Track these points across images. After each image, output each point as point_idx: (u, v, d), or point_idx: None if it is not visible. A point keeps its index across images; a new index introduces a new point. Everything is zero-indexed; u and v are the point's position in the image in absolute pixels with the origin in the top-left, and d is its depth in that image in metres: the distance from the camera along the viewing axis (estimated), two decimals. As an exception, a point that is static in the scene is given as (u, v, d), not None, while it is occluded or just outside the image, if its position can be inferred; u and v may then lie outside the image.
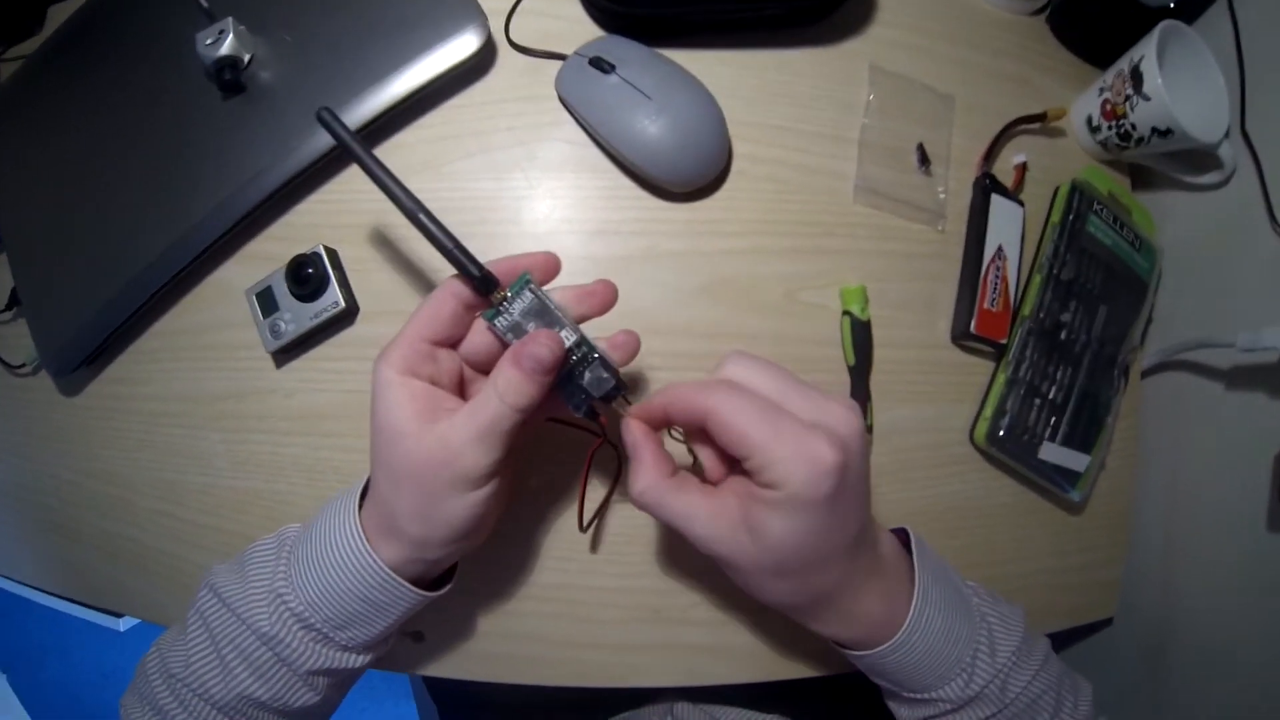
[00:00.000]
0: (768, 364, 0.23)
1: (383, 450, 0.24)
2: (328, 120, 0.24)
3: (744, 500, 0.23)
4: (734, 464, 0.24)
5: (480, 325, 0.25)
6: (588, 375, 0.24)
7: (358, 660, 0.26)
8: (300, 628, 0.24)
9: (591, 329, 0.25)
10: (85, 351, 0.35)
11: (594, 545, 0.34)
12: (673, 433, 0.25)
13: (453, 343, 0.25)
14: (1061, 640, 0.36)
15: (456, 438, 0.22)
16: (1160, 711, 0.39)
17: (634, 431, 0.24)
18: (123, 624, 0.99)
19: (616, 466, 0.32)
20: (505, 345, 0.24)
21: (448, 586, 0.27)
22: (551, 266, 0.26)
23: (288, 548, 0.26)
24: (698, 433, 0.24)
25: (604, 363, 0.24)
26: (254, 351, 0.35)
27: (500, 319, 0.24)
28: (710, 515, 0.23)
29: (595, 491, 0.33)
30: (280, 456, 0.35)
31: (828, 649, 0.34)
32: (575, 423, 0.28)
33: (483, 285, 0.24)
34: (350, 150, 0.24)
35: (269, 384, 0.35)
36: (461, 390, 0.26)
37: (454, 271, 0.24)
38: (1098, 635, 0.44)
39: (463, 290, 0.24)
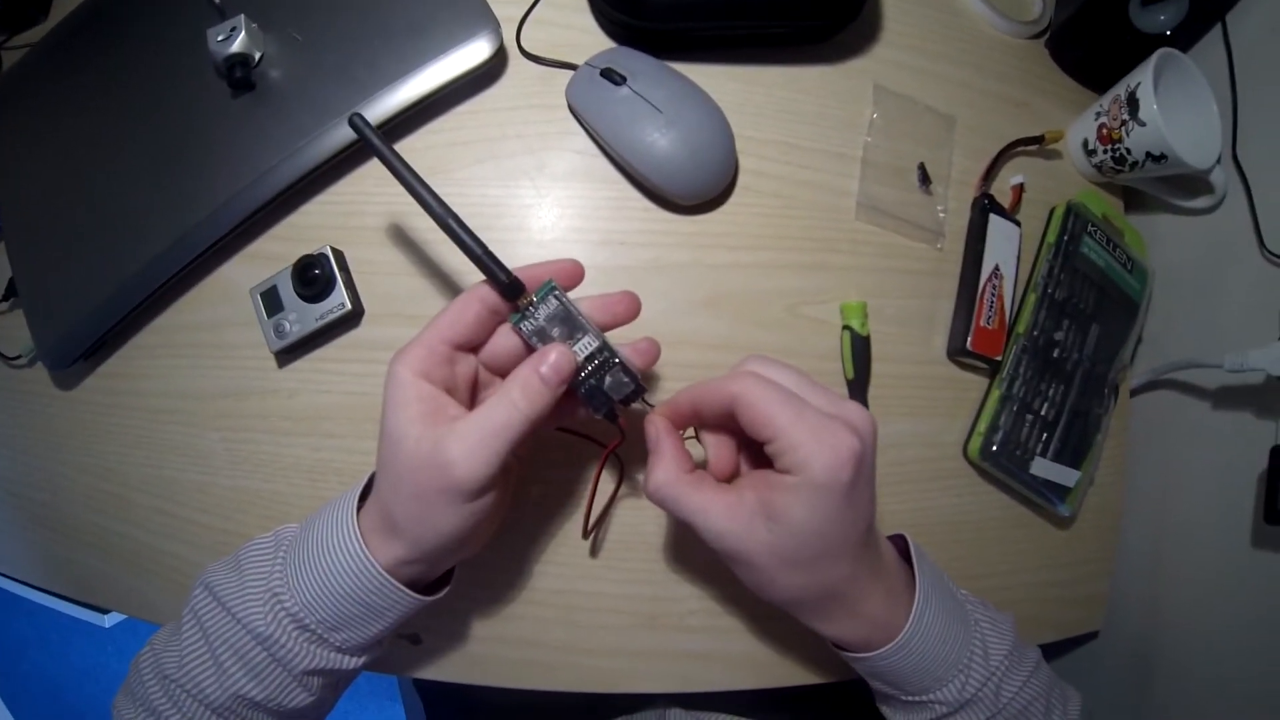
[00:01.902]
0: (786, 364, 0.24)
1: (385, 451, 0.24)
2: (359, 125, 0.25)
3: (762, 490, 0.23)
4: (755, 455, 0.25)
5: (505, 331, 0.25)
6: (609, 379, 0.25)
7: (353, 662, 0.26)
8: (295, 628, 0.24)
9: (613, 335, 0.26)
10: (83, 345, 0.35)
11: (593, 551, 0.34)
12: (684, 432, 0.26)
13: (473, 347, 0.26)
14: (1049, 653, 0.36)
15: (455, 444, 0.22)
16: (1143, 728, 0.40)
17: (656, 425, 0.25)
18: (108, 620, 0.97)
19: (619, 475, 0.33)
20: (530, 350, 0.25)
21: (444, 591, 0.27)
22: (575, 274, 0.26)
23: (285, 547, 0.26)
24: (717, 427, 0.25)
25: (624, 368, 0.25)
26: (256, 351, 0.35)
27: (526, 323, 0.25)
28: (726, 509, 0.23)
29: (600, 497, 0.33)
30: (280, 457, 0.35)
31: (822, 657, 0.35)
32: (583, 433, 0.29)
33: (509, 291, 0.24)
34: (381, 155, 0.25)
35: (271, 384, 0.35)
36: (472, 399, 0.26)
37: (478, 278, 0.25)
38: (1084, 648, 0.45)
39: (488, 295, 0.25)
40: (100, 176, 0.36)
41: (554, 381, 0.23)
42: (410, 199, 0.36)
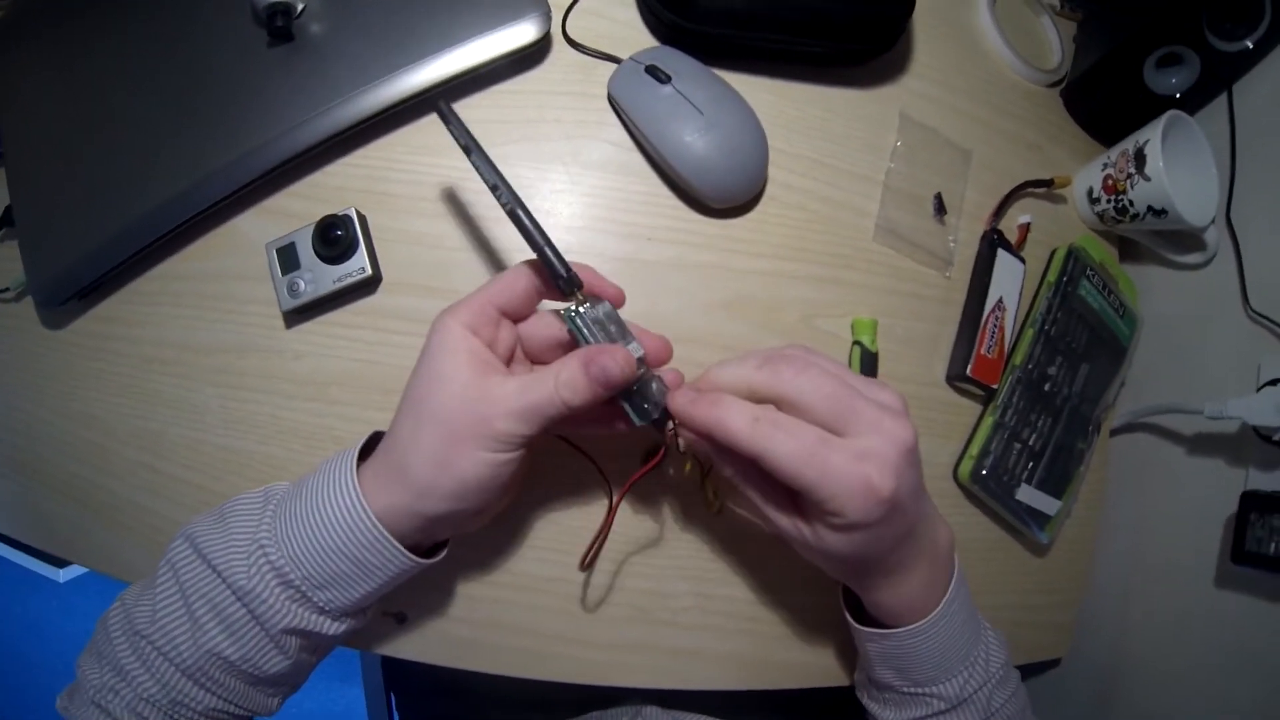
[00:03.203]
0: (823, 372, 0.23)
1: (420, 390, 0.24)
2: (445, 111, 0.26)
3: (809, 518, 0.24)
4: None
5: (545, 316, 0.26)
6: (655, 385, 0.25)
7: (333, 627, 0.25)
8: (278, 583, 0.24)
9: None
10: (80, 284, 0.33)
11: (597, 552, 0.34)
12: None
13: (516, 318, 0.26)
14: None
15: (503, 399, 0.23)
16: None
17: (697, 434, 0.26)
18: (63, 574, 0.91)
19: (609, 504, 0.31)
20: (573, 344, 0.25)
21: (437, 557, 0.27)
22: (617, 295, 0.27)
23: (275, 502, 0.25)
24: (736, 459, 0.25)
25: (659, 379, 0.25)
26: (263, 308, 0.34)
27: (577, 320, 0.25)
28: (774, 508, 0.26)
29: (595, 512, 0.33)
30: (279, 420, 0.34)
31: (809, 662, 0.36)
32: (577, 446, 0.30)
33: (566, 285, 0.25)
34: (463, 141, 0.26)
35: (276, 343, 0.34)
36: (508, 366, 0.26)
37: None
38: (1045, 675, 0.46)
39: (538, 273, 0.26)
40: (116, 109, 0.35)
41: (602, 381, 0.23)
42: (439, 174, 0.36)
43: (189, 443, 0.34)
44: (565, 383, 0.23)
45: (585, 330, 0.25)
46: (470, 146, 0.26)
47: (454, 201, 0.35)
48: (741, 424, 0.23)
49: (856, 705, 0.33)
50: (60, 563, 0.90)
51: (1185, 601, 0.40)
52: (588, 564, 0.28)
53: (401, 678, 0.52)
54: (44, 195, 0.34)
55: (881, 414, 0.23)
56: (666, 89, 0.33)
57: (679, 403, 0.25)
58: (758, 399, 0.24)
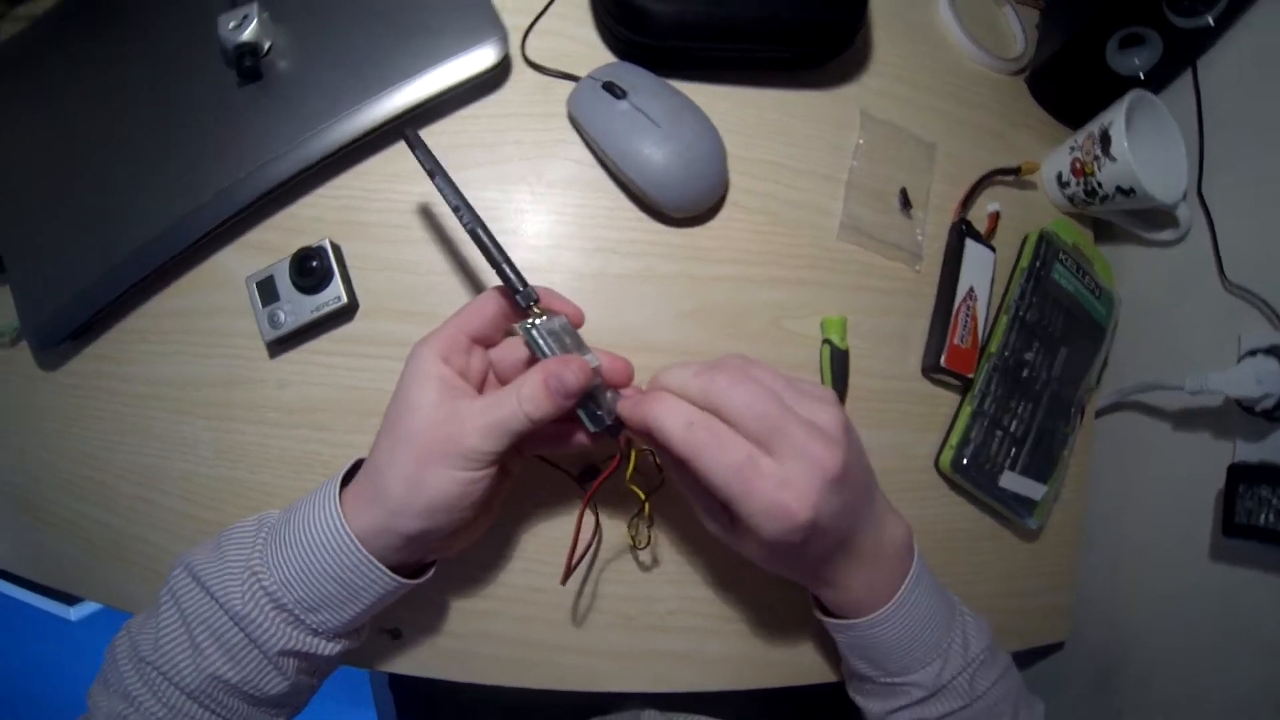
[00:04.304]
0: (758, 388, 0.24)
1: (395, 415, 0.26)
2: (410, 137, 0.28)
3: (734, 516, 0.25)
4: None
5: (513, 340, 0.27)
6: (609, 394, 0.26)
7: (328, 647, 0.26)
8: (273, 607, 0.25)
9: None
10: (72, 325, 0.35)
11: (577, 563, 0.35)
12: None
13: (486, 344, 0.28)
14: (1018, 664, 0.37)
15: (469, 417, 0.24)
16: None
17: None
18: (74, 613, 0.93)
19: (595, 522, 0.31)
20: (533, 358, 0.26)
21: (421, 579, 0.28)
22: (577, 315, 0.28)
23: (267, 528, 0.26)
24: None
25: (609, 390, 0.26)
26: (248, 340, 0.35)
27: (540, 324, 0.26)
28: (707, 509, 0.27)
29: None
30: (267, 448, 0.35)
31: (798, 660, 0.36)
32: (556, 464, 0.31)
33: (524, 299, 0.26)
34: (428, 166, 0.27)
35: (261, 374, 0.35)
36: (480, 390, 0.28)
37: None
38: (1049, 660, 0.46)
39: (506, 298, 0.27)
40: (98, 155, 0.36)
41: (559, 391, 0.24)
42: (412, 200, 0.37)
43: (184, 475, 0.35)
44: (527, 397, 0.24)
45: (541, 342, 0.26)
46: (434, 170, 0.27)
47: (426, 227, 0.36)
48: (677, 426, 0.24)
49: (845, 701, 0.33)
50: (71, 600, 0.91)
51: (1181, 577, 0.40)
52: (566, 578, 0.29)
53: (411, 698, 0.53)
54: (32, 241, 0.36)
55: (811, 438, 0.23)
56: (623, 104, 0.34)
57: (625, 403, 0.26)
58: (697, 405, 0.25)
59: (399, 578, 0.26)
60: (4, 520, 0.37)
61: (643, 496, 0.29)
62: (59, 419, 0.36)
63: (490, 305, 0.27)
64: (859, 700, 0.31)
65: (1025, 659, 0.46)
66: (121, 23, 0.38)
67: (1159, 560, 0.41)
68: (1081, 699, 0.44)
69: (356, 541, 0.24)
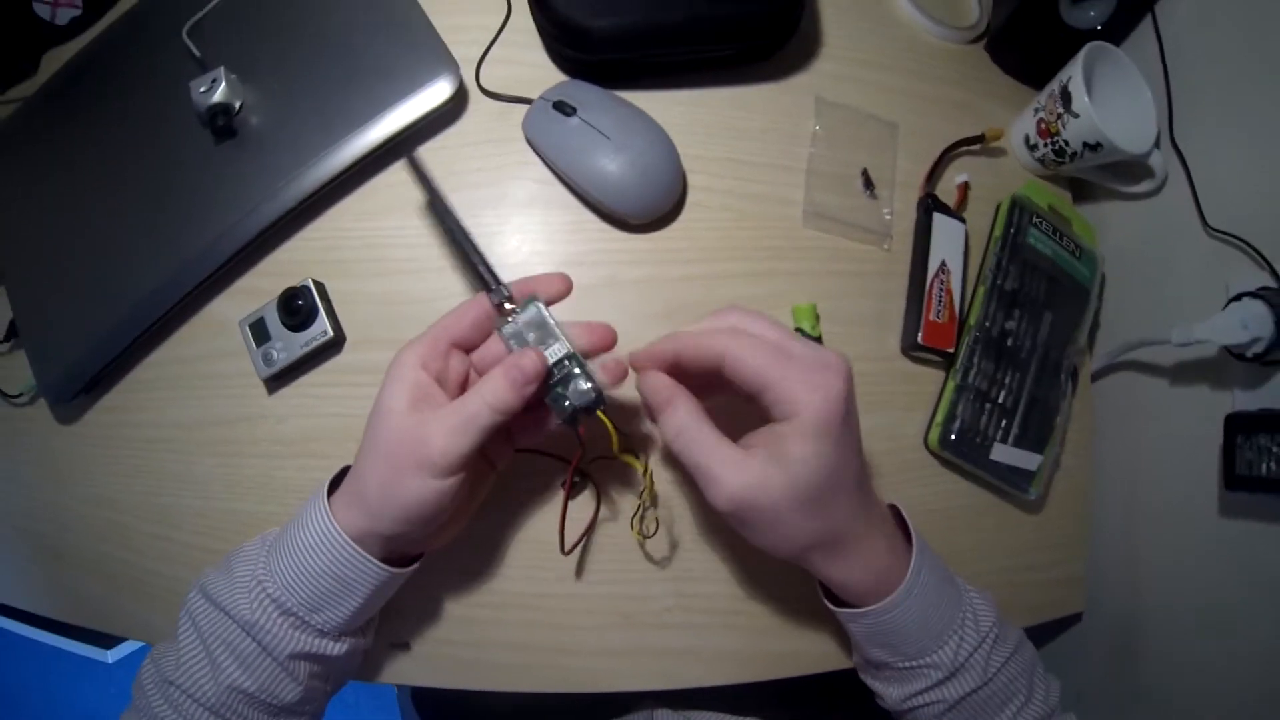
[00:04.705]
0: (763, 315, 0.27)
1: (372, 424, 0.27)
2: (414, 159, 0.30)
3: (767, 442, 0.25)
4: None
5: (493, 341, 0.28)
6: (572, 385, 0.27)
7: (334, 647, 0.28)
8: (279, 612, 0.26)
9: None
10: (83, 380, 0.37)
11: (568, 554, 0.36)
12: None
13: (468, 347, 0.29)
14: (1035, 639, 0.36)
15: (435, 424, 0.25)
16: (1130, 708, 0.40)
17: (657, 378, 0.28)
18: (111, 655, 0.96)
19: (596, 497, 0.34)
20: (509, 353, 0.28)
21: (410, 568, 0.29)
22: (562, 285, 0.29)
23: (269, 543, 0.28)
24: (696, 390, 0.27)
25: (586, 375, 0.27)
26: (246, 380, 0.37)
27: (506, 327, 0.27)
28: (741, 458, 0.25)
29: (578, 517, 0.35)
30: (273, 479, 0.37)
31: (801, 649, 0.36)
32: (545, 451, 0.32)
33: (496, 297, 0.28)
34: (425, 183, 0.30)
35: (261, 410, 0.37)
36: (459, 393, 0.29)
37: (449, 305, 0.28)
38: (1070, 632, 0.45)
39: (486, 303, 0.28)
40: (94, 222, 0.39)
41: (519, 379, 0.26)
42: (387, 234, 0.39)
43: (197, 511, 0.37)
44: (489, 390, 0.26)
45: (513, 341, 0.27)
46: (428, 183, 0.29)
47: (403, 258, 0.38)
48: (703, 334, 0.26)
49: (862, 688, 0.33)
50: (108, 643, 0.94)
51: (1191, 536, 0.38)
52: (565, 547, 0.30)
53: (436, 711, 0.54)
54: (43, 306, 0.39)
55: (819, 349, 0.26)
56: (574, 120, 0.35)
57: (639, 353, 0.28)
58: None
59: (389, 568, 0.27)
60: (34, 567, 0.40)
61: (642, 469, 0.30)
62: (78, 468, 0.39)
63: (470, 313, 0.28)
64: (876, 686, 0.31)
65: (1045, 633, 0.45)
66: (102, 97, 0.41)
67: (1168, 521, 0.40)
68: (1106, 669, 0.43)
69: (344, 535, 0.26)
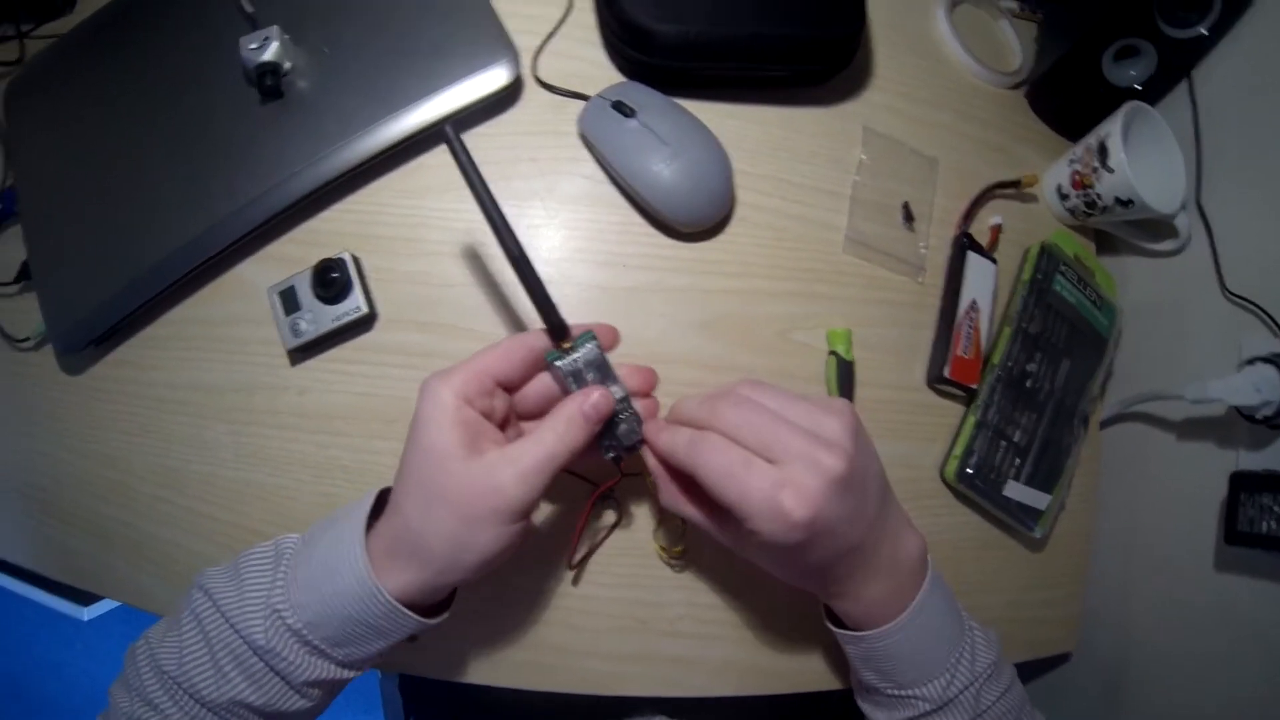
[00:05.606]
0: (754, 405, 0.25)
1: (421, 470, 0.24)
2: (453, 140, 0.27)
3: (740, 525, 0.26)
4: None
5: (542, 378, 0.28)
6: (623, 427, 0.27)
7: (353, 673, 0.26)
8: (297, 643, 0.24)
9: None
10: (96, 331, 0.36)
11: (587, 557, 0.35)
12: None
13: (510, 387, 0.28)
14: (1024, 675, 0.37)
15: (506, 469, 0.24)
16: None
17: (656, 461, 0.29)
18: (87, 613, 0.93)
19: (617, 510, 0.35)
20: (564, 390, 0.27)
21: (445, 615, 0.27)
22: (612, 336, 0.29)
23: (285, 561, 0.26)
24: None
25: (637, 418, 0.28)
26: (268, 348, 0.36)
27: (562, 362, 0.27)
28: (719, 525, 0.28)
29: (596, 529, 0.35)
30: (288, 452, 0.36)
31: (804, 667, 0.36)
32: (570, 470, 0.32)
33: (557, 331, 0.27)
34: (479, 196, 0.27)
35: (282, 381, 0.36)
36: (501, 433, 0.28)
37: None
38: (1057, 671, 0.46)
39: (536, 343, 0.27)
40: (122, 168, 0.38)
41: (594, 418, 0.26)
42: (428, 214, 0.38)
43: (204, 477, 0.36)
44: (566, 429, 0.25)
45: (571, 379, 0.27)
46: (482, 196, 0.26)
47: (441, 240, 0.37)
48: (681, 442, 0.26)
49: (856, 712, 0.33)
50: (85, 600, 0.92)
51: (1186, 586, 0.40)
52: (572, 564, 0.31)
53: (421, 701, 0.53)
54: (59, 249, 0.37)
55: (811, 444, 0.24)
56: (632, 123, 0.35)
57: (647, 429, 0.28)
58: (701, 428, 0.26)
59: (428, 620, 0.26)
60: (25, 520, 0.38)
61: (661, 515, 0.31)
62: (81, 422, 0.37)
63: (519, 351, 0.27)
64: (867, 709, 0.31)
65: (1032, 669, 0.46)
66: (143, 42, 0.40)
67: (1166, 570, 0.41)
68: (1088, 710, 0.44)
69: (388, 596, 0.24)
